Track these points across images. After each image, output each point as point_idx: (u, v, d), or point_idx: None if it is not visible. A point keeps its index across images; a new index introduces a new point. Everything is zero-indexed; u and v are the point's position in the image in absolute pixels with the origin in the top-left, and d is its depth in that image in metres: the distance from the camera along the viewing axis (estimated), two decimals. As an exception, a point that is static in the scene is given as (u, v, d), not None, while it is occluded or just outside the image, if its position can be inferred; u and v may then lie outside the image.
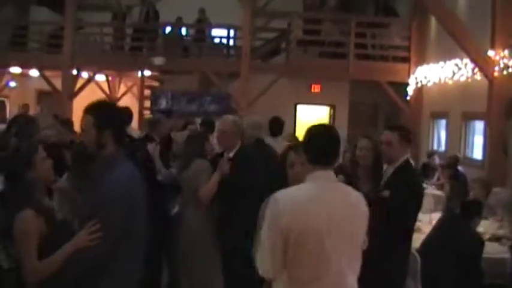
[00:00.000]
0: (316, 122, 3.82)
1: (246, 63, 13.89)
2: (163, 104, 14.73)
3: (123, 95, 20.65)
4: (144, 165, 6.37)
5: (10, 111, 20.22)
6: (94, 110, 3.57)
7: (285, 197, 3.19)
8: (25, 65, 16.10)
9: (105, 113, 3.60)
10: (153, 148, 6.84)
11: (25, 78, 18.35)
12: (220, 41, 16.25)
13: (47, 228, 3.40)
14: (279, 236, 3.11)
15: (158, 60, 14.42)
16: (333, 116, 16.15)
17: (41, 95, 19.37)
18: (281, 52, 15.73)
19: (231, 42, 16.37)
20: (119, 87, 21.20)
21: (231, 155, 5.69)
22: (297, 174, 3.46)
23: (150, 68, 15.45)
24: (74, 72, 15.42)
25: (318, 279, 3.14)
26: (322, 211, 3.14)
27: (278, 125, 8.21)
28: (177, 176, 6.39)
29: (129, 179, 3.54)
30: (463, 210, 5.89)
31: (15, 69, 16.80)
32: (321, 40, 14.77)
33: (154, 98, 15.04)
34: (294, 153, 3.88)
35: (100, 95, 20.61)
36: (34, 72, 16.75)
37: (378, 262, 4.66)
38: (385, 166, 5.07)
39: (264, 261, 3.22)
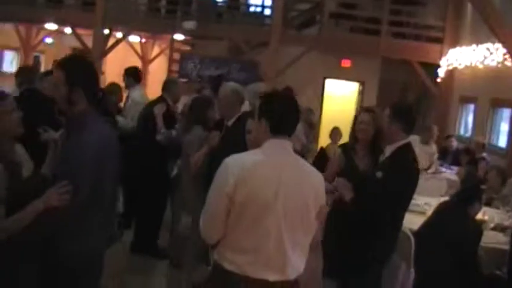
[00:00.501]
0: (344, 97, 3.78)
1: (276, 33, 13.71)
2: (190, 68, 14.73)
3: (156, 57, 20.73)
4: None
5: (45, 66, 20.56)
6: (65, 65, 3.40)
7: (234, 161, 3.12)
8: (60, 22, 16.17)
9: (77, 69, 3.42)
10: (158, 108, 6.83)
11: (61, 35, 18.55)
12: (255, 9, 16.12)
13: (14, 184, 3.29)
14: (223, 200, 3.05)
15: (189, 25, 14.35)
16: (361, 93, 15.92)
17: (76, 52, 19.57)
18: (314, 24, 15.50)
19: (267, 11, 16.22)
20: (152, 49, 21.27)
21: (230, 123, 5.62)
22: (255, 140, 3.36)
23: (181, 32, 15.39)
24: (106, 31, 15.45)
25: (257, 250, 3.07)
26: (269, 178, 3.06)
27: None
28: (178, 138, 6.41)
29: (99, 140, 3.39)
30: (460, 195, 5.74)
31: (51, 26, 16.93)
32: (353, 15, 14.51)
33: (183, 62, 15.03)
34: (250, 119, 3.82)
35: (132, 56, 20.80)
36: (69, 30, 16.88)
37: (362, 240, 4.63)
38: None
39: (206, 226, 3.17)
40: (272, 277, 3.11)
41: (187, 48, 16.85)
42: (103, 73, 19.32)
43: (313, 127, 10.91)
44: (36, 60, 21.02)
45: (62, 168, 3.36)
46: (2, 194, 3.20)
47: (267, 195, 3.04)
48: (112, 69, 20.86)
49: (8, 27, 18.25)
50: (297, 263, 3.18)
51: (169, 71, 15.66)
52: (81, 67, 3.46)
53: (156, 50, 20.86)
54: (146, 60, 21.17)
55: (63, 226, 3.33)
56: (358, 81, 15.97)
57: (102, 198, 3.48)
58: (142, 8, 16.59)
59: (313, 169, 3.29)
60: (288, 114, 3.22)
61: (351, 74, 15.62)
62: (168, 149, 6.75)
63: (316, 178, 3.24)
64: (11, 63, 19.92)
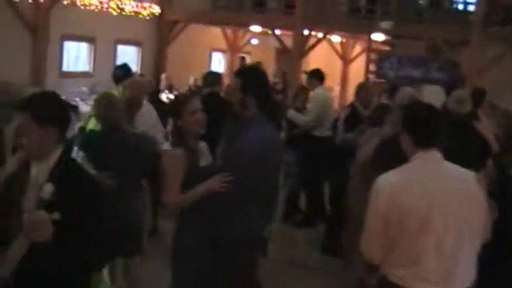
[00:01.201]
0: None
1: (477, 30, 13.09)
2: (388, 68, 14.57)
3: (356, 57, 20.75)
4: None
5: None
6: (242, 73, 3.99)
7: (384, 181, 3.16)
8: (264, 25, 16.88)
9: (252, 78, 3.96)
10: (343, 112, 7.03)
11: (266, 37, 19.28)
12: (456, 6, 15.51)
13: (190, 169, 3.86)
14: (379, 221, 3.11)
15: (385, 24, 14.23)
16: None
17: (280, 53, 20.26)
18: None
19: (470, 7, 15.54)
20: (352, 48, 21.32)
21: None
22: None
23: (379, 32, 15.29)
24: (306, 32, 15.83)
25: (418, 264, 3.07)
26: (420, 193, 3.04)
27: (478, 97, 7.71)
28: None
29: (262, 141, 3.86)
30: None
31: (255, 28, 17.77)
32: None
33: (380, 63, 14.91)
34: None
35: (333, 56, 21.03)
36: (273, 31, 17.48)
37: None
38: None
39: (367, 247, 3.24)
40: None
41: (386, 48, 16.66)
42: (304, 72, 19.79)
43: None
44: (243, 61, 22.11)
45: (227, 161, 3.88)
46: (179, 174, 3.81)
47: (421, 211, 3.03)
48: (314, 67, 21.28)
49: (216, 30, 19.42)
50: (463, 274, 3.13)
51: (367, 71, 15.60)
52: (255, 76, 4.01)
53: (356, 49, 20.89)
54: (347, 60, 21.28)
55: (224, 212, 3.83)
56: None
57: (262, 191, 3.88)
58: (342, 9, 16.74)
59: (470, 173, 3.20)
60: (433, 125, 3.16)
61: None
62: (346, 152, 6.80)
63: (472, 184, 3.15)
64: (219, 64, 21.15)
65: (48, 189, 2.76)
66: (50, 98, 3.01)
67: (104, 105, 4.66)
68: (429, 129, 3.15)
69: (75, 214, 2.74)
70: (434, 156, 3.14)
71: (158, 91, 7.53)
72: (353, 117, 7.02)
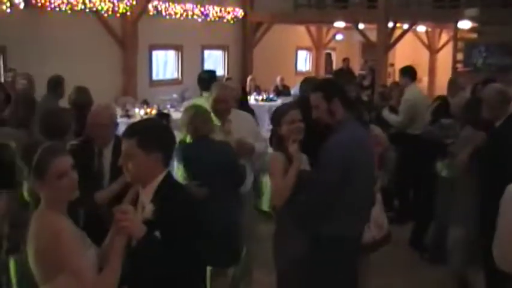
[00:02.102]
0: None
1: None
2: (476, 57, 14.21)
3: (443, 46, 20.33)
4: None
5: (336, 63, 21.55)
6: (322, 86, 4.19)
7: None
8: (348, 20, 16.83)
9: (331, 86, 4.21)
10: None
11: (351, 32, 19.22)
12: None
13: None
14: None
15: (471, 12, 13.85)
16: None
17: (365, 47, 20.12)
18: None
19: None
20: (439, 38, 20.89)
21: (497, 125, 5.43)
22: None
23: (464, 19, 14.90)
24: (390, 25, 15.66)
25: None
26: None
27: None
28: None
29: (351, 140, 4.05)
30: None
31: (339, 24, 17.75)
32: None
33: (467, 51, 14.56)
34: None
35: (420, 46, 20.68)
36: (359, 26, 17.37)
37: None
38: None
39: (501, 254, 3.25)
40: None
41: (473, 36, 16.21)
42: (392, 65, 19.63)
43: None
44: (328, 57, 22.12)
45: (319, 161, 4.03)
46: (281, 173, 4.06)
47: None
48: (401, 60, 21.02)
49: (300, 28, 19.55)
50: None
51: (454, 60, 15.24)
52: (334, 84, 4.33)
53: (443, 39, 20.44)
54: (433, 50, 20.87)
55: (315, 210, 4.01)
56: None
57: (352, 191, 4.01)
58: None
59: None
60: None
61: None
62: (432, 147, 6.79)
63: None
64: (305, 61, 21.26)
65: (150, 209, 2.91)
66: (155, 125, 3.16)
67: (191, 115, 4.79)
68: None
69: (173, 234, 2.87)
70: None
71: (246, 97, 7.64)
72: (441, 111, 7.01)
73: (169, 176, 3.10)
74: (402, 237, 7.46)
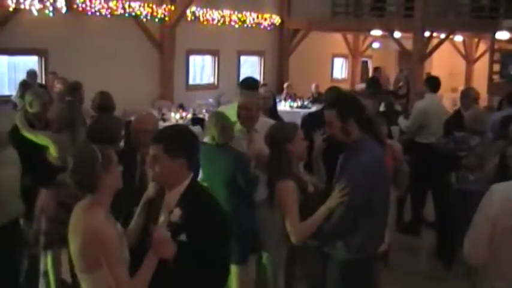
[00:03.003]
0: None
1: None
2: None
3: (480, 57, 20.18)
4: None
5: (372, 71, 21.57)
6: (337, 103, 4.05)
7: (500, 188, 3.29)
8: (384, 28, 16.83)
9: (347, 105, 4.05)
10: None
11: (387, 40, 19.21)
12: None
13: (302, 197, 3.99)
14: (487, 225, 3.22)
15: (509, 23, 13.76)
16: None
17: (402, 55, 20.08)
18: None
19: None
20: (476, 48, 20.74)
21: None
22: None
23: (502, 30, 14.79)
24: (426, 34, 15.63)
25: None
26: None
27: None
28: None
29: (372, 161, 3.98)
30: None
31: (376, 32, 17.76)
32: None
33: (504, 62, 14.46)
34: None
35: (456, 56, 20.55)
36: (395, 34, 17.40)
37: None
38: None
39: (469, 249, 3.35)
40: None
41: (511, 47, 16.07)
42: (428, 74, 19.52)
43: None
44: (364, 65, 22.14)
45: (342, 181, 3.92)
46: (296, 205, 3.91)
47: None
48: (438, 70, 20.93)
49: (337, 36, 19.63)
50: None
51: (491, 71, 15.13)
52: (350, 102, 4.13)
53: (481, 49, 20.30)
54: (470, 60, 20.73)
55: (340, 230, 3.94)
56: None
57: (373, 210, 3.99)
58: (464, 9, 16.35)
59: None
60: None
61: None
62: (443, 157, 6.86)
63: None
64: (341, 69, 21.31)
65: (177, 213, 3.07)
66: (181, 131, 3.31)
67: (212, 122, 4.99)
68: None
69: (199, 237, 3.03)
70: None
71: (275, 107, 7.77)
72: (454, 123, 7.05)
73: (194, 181, 3.27)
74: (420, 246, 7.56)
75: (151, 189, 3.33)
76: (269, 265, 5.30)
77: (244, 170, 4.91)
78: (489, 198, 3.25)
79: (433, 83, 8.37)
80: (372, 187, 3.92)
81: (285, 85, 15.69)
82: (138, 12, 12.84)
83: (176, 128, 3.48)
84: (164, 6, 13.39)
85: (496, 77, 14.86)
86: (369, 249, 4.08)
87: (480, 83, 16.97)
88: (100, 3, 11.97)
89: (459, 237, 6.58)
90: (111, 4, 12.21)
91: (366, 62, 22.28)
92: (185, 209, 3.07)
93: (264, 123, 5.25)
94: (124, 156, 4.06)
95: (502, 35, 15.04)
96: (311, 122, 5.56)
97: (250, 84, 6.56)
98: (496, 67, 15.02)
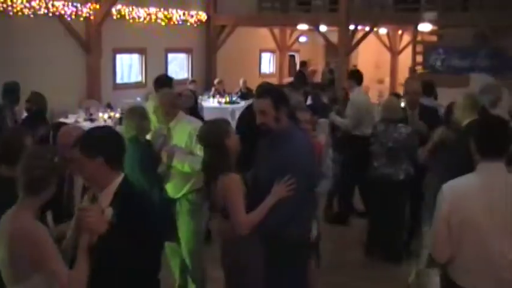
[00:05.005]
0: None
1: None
2: (434, 59, 14.52)
3: (404, 48, 20.71)
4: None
5: (299, 64, 21.81)
6: (268, 93, 4.18)
7: (448, 187, 3.42)
8: (310, 23, 17.00)
9: (280, 94, 4.22)
10: None
11: (314, 34, 19.43)
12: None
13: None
14: (442, 224, 3.36)
15: (430, 15, 14.19)
16: None
17: (328, 49, 20.37)
18: None
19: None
20: (400, 40, 21.27)
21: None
22: None
23: (424, 22, 15.22)
24: (351, 27, 15.91)
25: (481, 271, 3.31)
26: (480, 202, 3.26)
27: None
28: None
29: (305, 150, 4.17)
30: None
31: (302, 27, 17.95)
32: None
33: (426, 53, 14.88)
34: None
35: (382, 48, 21.02)
36: (321, 28, 17.56)
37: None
38: None
39: (433, 247, 3.52)
40: None
41: (433, 38, 16.58)
42: (355, 66, 19.90)
43: None
44: (292, 59, 22.37)
45: (281, 168, 4.01)
46: (242, 197, 3.96)
47: (480, 219, 3.25)
48: (364, 62, 21.36)
49: (264, 31, 19.73)
50: None
51: (414, 63, 15.56)
52: (279, 91, 4.31)
53: (405, 40, 20.83)
54: (394, 52, 21.25)
55: (287, 216, 4.03)
56: None
57: (311, 194, 4.26)
58: (387, 2, 16.71)
59: None
60: (496, 137, 3.37)
61: None
62: None
63: None
64: (269, 64, 21.45)
65: (109, 212, 3.06)
66: (95, 131, 3.35)
67: (128, 116, 5.26)
68: (492, 141, 3.35)
69: (131, 235, 3.02)
70: (498, 166, 3.33)
71: (196, 106, 7.81)
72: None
73: (126, 180, 3.26)
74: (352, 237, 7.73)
75: (85, 201, 3.30)
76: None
77: (145, 170, 5.00)
78: (441, 197, 3.39)
79: (358, 76, 8.59)
80: (310, 176, 4.13)
81: (216, 81, 15.68)
82: (62, 12, 12.53)
83: (91, 129, 3.49)
84: (89, 4, 13.12)
85: (419, 68, 15.26)
86: (302, 236, 4.23)
87: (405, 74, 17.47)
88: (22, 3, 11.61)
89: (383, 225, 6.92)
90: (33, 4, 11.85)
91: (294, 56, 22.49)
92: (117, 208, 3.07)
93: (183, 119, 5.53)
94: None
95: (424, 27, 15.49)
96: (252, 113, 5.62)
97: (163, 81, 6.74)
98: (419, 58, 15.43)
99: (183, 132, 5.44)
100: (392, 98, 7.73)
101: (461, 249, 3.33)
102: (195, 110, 7.60)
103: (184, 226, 5.53)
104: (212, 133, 4.12)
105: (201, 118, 6.95)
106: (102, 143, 3.17)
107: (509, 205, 3.22)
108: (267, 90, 4.27)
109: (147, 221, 3.15)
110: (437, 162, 5.78)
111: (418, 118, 7.09)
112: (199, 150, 5.16)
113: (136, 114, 5.29)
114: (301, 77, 15.45)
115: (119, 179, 3.19)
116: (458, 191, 3.35)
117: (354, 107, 8.26)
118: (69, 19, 12.77)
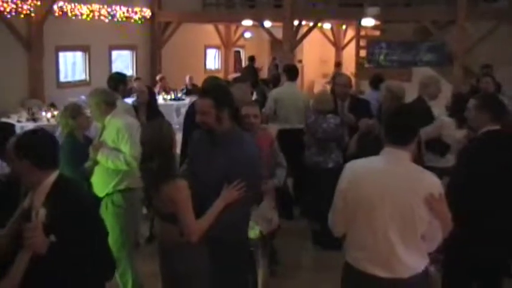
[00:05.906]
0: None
1: (462, 8, 13.26)
2: (377, 53, 14.79)
3: (348, 43, 20.98)
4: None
5: (245, 61, 21.84)
6: (211, 92, 4.11)
7: (351, 166, 3.59)
8: (255, 19, 17.03)
9: (223, 94, 4.14)
10: None
11: (259, 30, 19.49)
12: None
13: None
14: (340, 199, 3.52)
15: (372, 11, 14.40)
16: None
17: (274, 44, 20.46)
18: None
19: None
20: (344, 35, 21.54)
21: None
22: None
23: (366, 17, 15.45)
24: (296, 23, 16.00)
25: (367, 248, 3.44)
26: (376, 184, 3.39)
27: None
28: None
29: (254, 150, 4.18)
30: None
31: (247, 23, 17.98)
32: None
33: (370, 48, 15.13)
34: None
35: (327, 43, 21.24)
36: (266, 24, 17.62)
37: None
38: None
39: (330, 220, 3.66)
40: (382, 273, 3.41)
41: (377, 33, 16.86)
42: (300, 61, 20.06)
43: None
44: (237, 55, 22.39)
45: (231, 170, 3.95)
46: (190, 202, 3.86)
47: (373, 199, 3.38)
48: (309, 57, 21.55)
49: (209, 27, 19.71)
50: (409, 262, 3.40)
51: (357, 57, 15.80)
52: (223, 91, 4.23)
53: (349, 35, 21.11)
54: (339, 47, 21.50)
55: (231, 221, 4.00)
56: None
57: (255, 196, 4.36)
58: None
59: (429, 175, 3.46)
60: (396, 125, 3.50)
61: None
62: None
63: (427, 187, 3.37)
64: (214, 59, 21.42)
65: (42, 213, 2.99)
66: (26, 136, 3.33)
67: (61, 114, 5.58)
68: (392, 129, 3.49)
69: (67, 234, 3.01)
70: (399, 153, 3.43)
71: (154, 101, 7.69)
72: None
73: (60, 178, 3.27)
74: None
75: (26, 201, 3.26)
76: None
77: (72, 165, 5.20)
78: (342, 175, 3.56)
79: (291, 72, 8.72)
80: (257, 180, 4.20)
81: (158, 77, 15.57)
82: (2, 8, 12.20)
83: (24, 132, 3.45)
84: (29, 1, 12.80)
85: (363, 62, 15.50)
86: (240, 238, 4.24)
87: (349, 69, 17.70)
88: (-42, 0, 11.26)
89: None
90: (-30, 1, 11.53)
91: (239, 52, 22.53)
92: (51, 208, 3.03)
93: (116, 115, 5.51)
94: (5, 186, 3.85)
95: (367, 22, 15.73)
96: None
97: (116, 80, 6.81)
98: (363, 53, 15.66)
99: (113, 128, 5.42)
100: (324, 91, 7.99)
101: (353, 226, 3.49)
102: (153, 106, 7.49)
103: (109, 230, 5.36)
104: (161, 140, 3.93)
105: (161, 115, 7.13)
106: (27, 147, 3.21)
107: (402, 195, 3.33)
108: (210, 89, 4.26)
109: (88, 216, 3.23)
110: (363, 152, 5.91)
111: (348, 110, 7.41)
112: (123, 147, 5.30)
113: (68, 111, 5.62)
114: (251, 69, 15.53)
115: (51, 178, 3.22)
116: (358, 170, 3.51)
117: (269, 100, 8.54)
118: (9, 16, 12.43)
